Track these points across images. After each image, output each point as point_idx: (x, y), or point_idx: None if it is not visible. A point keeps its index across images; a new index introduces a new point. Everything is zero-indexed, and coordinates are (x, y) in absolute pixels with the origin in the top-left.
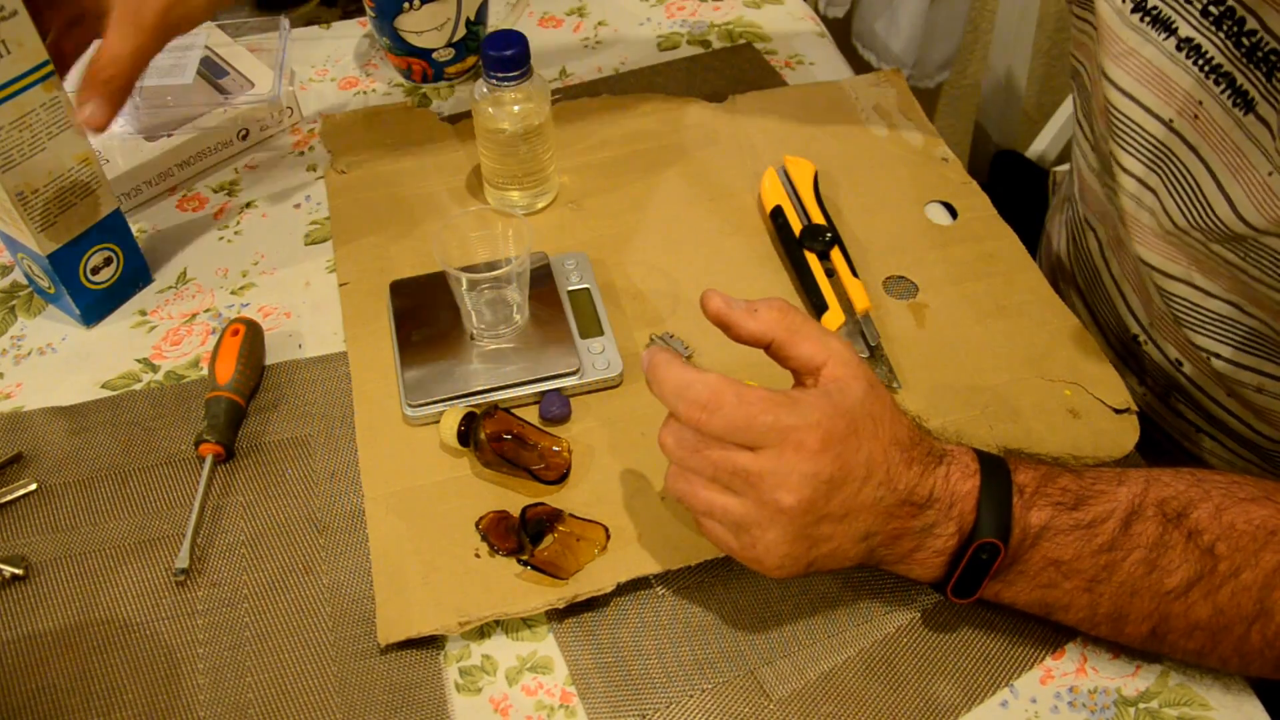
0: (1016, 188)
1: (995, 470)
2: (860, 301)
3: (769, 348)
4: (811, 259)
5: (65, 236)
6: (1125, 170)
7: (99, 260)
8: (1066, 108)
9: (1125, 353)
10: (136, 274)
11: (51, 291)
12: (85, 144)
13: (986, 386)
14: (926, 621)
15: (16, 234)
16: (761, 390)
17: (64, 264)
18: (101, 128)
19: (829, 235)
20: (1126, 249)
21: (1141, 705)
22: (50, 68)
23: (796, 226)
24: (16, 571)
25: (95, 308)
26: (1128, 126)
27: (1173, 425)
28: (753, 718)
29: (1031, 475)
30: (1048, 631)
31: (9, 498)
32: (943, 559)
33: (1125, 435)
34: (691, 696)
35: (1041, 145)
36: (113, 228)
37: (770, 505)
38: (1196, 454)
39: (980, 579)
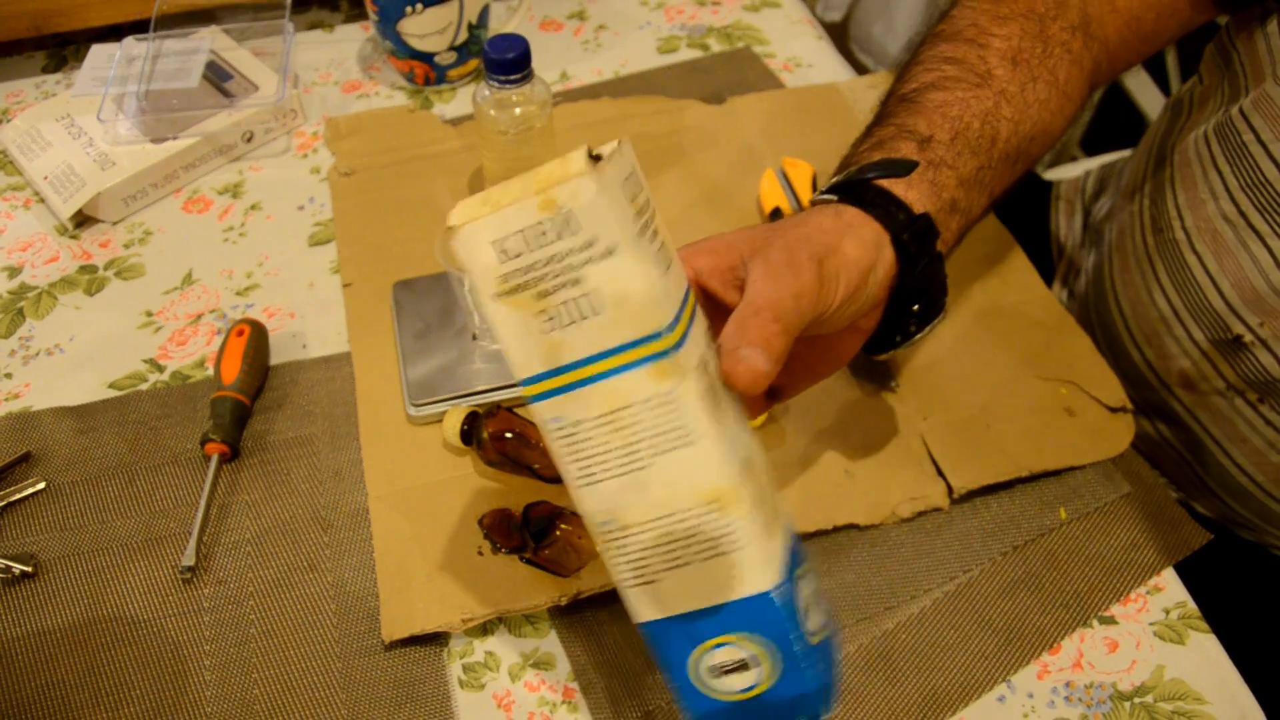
0: (1018, 195)
1: None
2: None
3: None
4: None
5: (674, 607)
6: None
7: (725, 658)
8: None
9: (1215, 350)
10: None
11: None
12: (720, 472)
13: (983, 385)
14: (925, 618)
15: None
16: None
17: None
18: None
19: None
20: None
21: (1137, 700)
22: (667, 343)
23: None
24: (25, 569)
25: None
26: None
27: (1261, 432)
28: None
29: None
30: (1045, 627)
31: (18, 496)
32: None
33: (1121, 433)
34: None
35: None
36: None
37: None
38: None
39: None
